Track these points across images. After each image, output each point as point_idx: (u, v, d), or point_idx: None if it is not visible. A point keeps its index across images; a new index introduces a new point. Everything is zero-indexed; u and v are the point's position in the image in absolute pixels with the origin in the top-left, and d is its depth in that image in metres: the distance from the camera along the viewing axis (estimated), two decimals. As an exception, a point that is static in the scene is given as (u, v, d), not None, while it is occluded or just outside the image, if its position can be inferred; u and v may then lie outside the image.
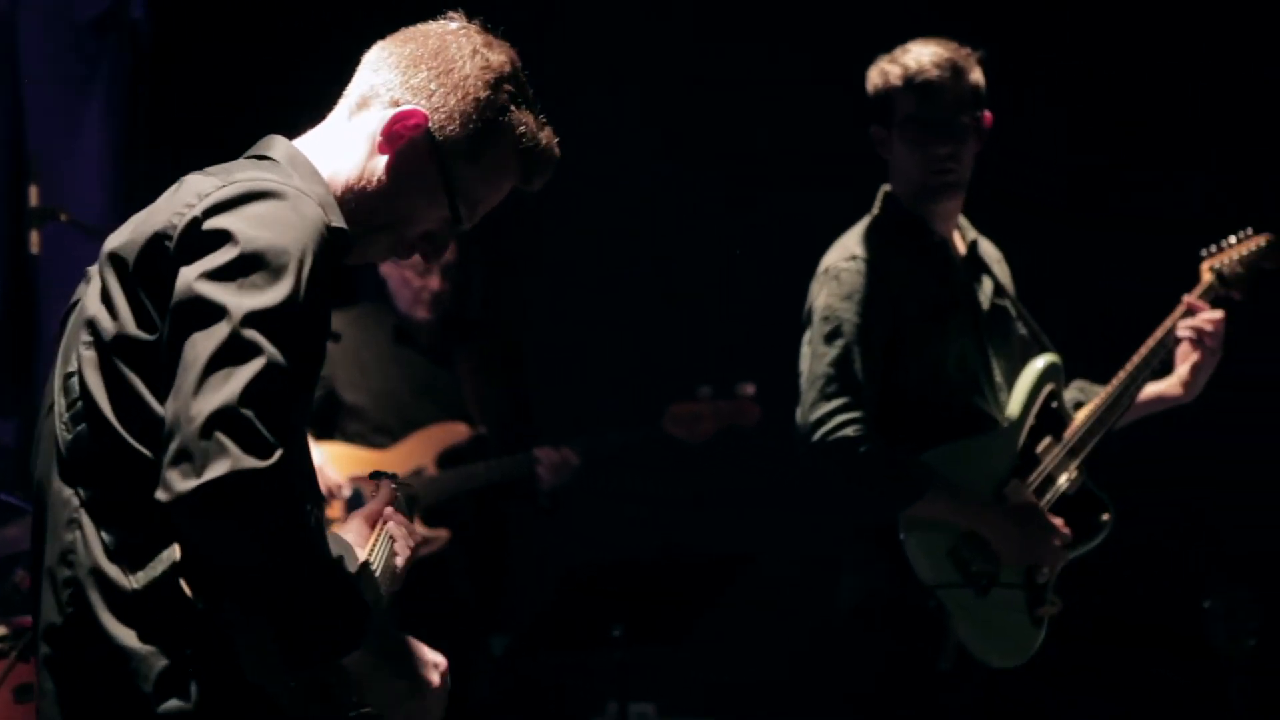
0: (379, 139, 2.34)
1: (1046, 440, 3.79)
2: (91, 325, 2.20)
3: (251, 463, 2.02)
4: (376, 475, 2.53)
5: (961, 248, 3.89)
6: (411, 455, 4.82)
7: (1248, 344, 4.04)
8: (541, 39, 5.84)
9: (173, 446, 2.04)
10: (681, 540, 4.63)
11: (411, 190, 2.35)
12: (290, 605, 2.12)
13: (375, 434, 4.84)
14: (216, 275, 2.10)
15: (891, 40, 3.84)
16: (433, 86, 2.35)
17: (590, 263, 6.01)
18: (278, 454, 2.04)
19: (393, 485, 2.51)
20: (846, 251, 3.77)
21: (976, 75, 3.79)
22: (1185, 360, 3.85)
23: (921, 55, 3.74)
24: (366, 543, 2.41)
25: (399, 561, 2.43)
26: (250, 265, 2.11)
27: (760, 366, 4.93)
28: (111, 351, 2.17)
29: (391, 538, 2.44)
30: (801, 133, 5.78)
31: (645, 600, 4.49)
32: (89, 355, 2.19)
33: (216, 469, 2.01)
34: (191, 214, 2.16)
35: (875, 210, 3.85)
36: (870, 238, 3.78)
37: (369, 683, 2.23)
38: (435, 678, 2.33)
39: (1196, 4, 5.63)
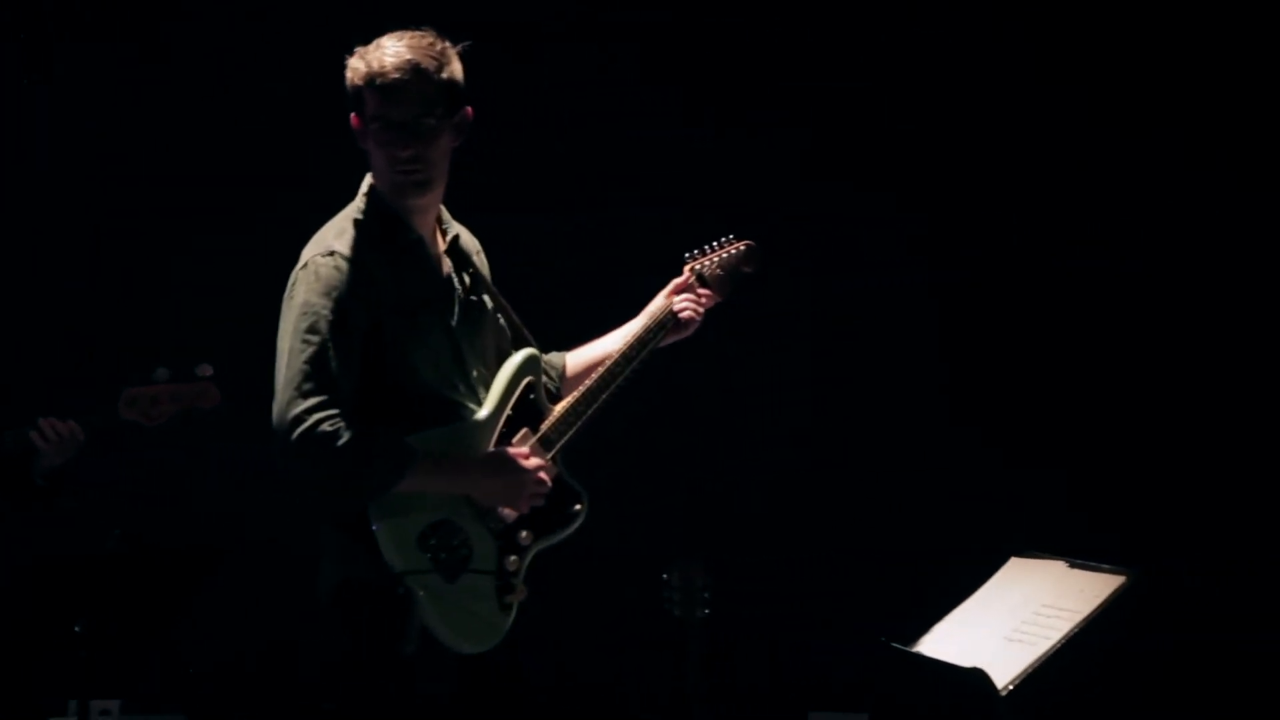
0: None
1: (523, 432, 3.85)
2: None
3: None
4: None
5: (442, 243, 3.90)
6: None
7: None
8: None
9: None
10: (149, 532, 4.50)
11: None
12: None
13: None
14: None
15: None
16: None
17: (45, 243, 5.79)
18: None
19: None
20: (325, 246, 3.73)
21: (450, 71, 3.74)
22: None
23: (385, 55, 3.68)
24: None
25: None
26: None
27: (220, 349, 4.84)
28: None
29: None
30: (277, 128, 5.73)
31: (109, 595, 4.36)
32: None
33: None
34: None
35: (356, 202, 3.82)
36: (349, 232, 3.74)
37: None
38: None
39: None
